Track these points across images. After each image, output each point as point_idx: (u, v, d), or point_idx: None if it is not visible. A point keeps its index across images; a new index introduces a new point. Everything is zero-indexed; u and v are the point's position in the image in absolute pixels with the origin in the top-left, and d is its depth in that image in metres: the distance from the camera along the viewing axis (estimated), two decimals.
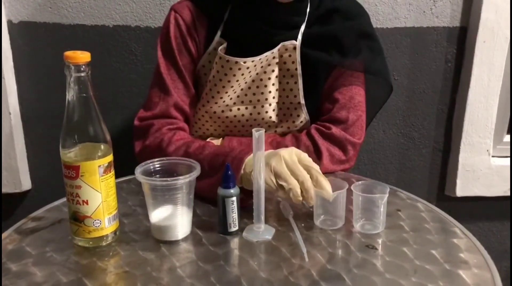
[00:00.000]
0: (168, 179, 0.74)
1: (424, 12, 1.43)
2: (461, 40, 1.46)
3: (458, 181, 1.54)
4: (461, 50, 1.47)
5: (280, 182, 0.80)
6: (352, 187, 0.80)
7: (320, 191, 0.79)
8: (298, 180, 0.79)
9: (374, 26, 1.41)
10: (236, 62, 1.00)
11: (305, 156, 0.84)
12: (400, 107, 1.52)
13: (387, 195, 0.79)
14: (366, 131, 1.09)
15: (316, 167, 0.82)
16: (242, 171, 0.85)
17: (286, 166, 0.81)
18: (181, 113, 1.06)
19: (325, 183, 0.80)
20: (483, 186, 1.55)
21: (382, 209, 0.80)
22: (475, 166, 1.53)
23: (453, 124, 1.54)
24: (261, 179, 0.76)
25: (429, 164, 1.59)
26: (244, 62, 1.00)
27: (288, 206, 0.86)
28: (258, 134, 0.74)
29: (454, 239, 0.79)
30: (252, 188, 0.78)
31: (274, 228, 0.81)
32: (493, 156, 1.54)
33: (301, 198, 0.80)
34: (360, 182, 0.82)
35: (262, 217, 0.79)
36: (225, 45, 1.03)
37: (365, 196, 0.80)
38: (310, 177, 0.80)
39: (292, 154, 0.82)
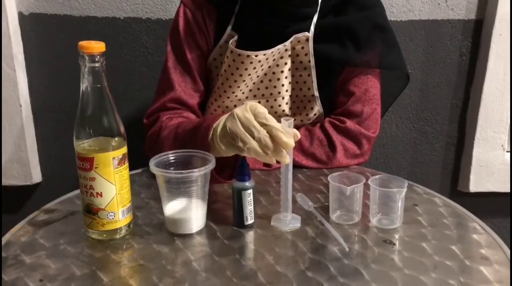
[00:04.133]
0: (183, 171, 0.73)
1: (439, 4, 1.40)
2: (476, 33, 1.43)
3: (472, 177, 1.52)
4: (476, 43, 1.44)
5: (239, 144, 0.75)
6: (369, 181, 0.79)
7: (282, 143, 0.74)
8: (255, 139, 0.75)
9: (388, 18, 1.40)
10: (248, 56, 0.99)
11: (260, 110, 0.76)
12: (413, 101, 1.49)
13: (405, 190, 0.78)
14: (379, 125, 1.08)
15: (273, 122, 0.75)
16: (210, 137, 0.81)
17: (241, 125, 0.76)
18: (184, 107, 1.05)
19: (282, 135, 0.74)
20: (497, 181, 1.53)
21: (399, 204, 0.79)
22: (489, 161, 1.51)
23: (467, 119, 1.52)
24: (288, 169, 0.76)
25: (442, 159, 1.57)
26: (256, 56, 0.99)
27: (306, 198, 0.85)
28: (288, 123, 0.74)
29: (474, 235, 0.77)
30: (221, 154, 0.80)
31: (300, 216, 0.81)
32: (508, 151, 1.52)
33: (265, 155, 0.75)
34: (377, 176, 0.81)
35: (289, 206, 0.79)
36: (236, 38, 1.02)
37: (382, 190, 0.79)
38: (269, 133, 0.74)
39: (245, 111, 0.76)
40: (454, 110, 1.51)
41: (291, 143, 0.74)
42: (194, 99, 1.06)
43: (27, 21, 1.39)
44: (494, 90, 1.44)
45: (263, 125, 0.75)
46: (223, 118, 0.81)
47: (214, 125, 0.82)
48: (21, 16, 1.38)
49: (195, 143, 0.85)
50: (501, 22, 1.37)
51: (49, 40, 1.40)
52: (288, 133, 0.75)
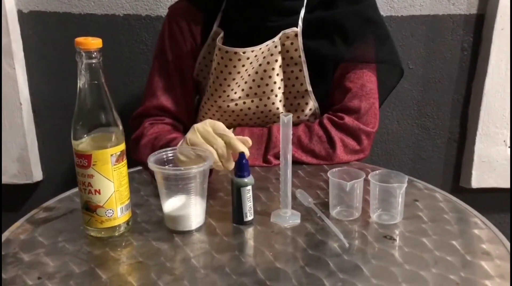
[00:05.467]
0: (182, 168, 0.73)
1: None
2: (478, 27, 1.42)
3: (474, 172, 1.52)
4: (477, 38, 1.43)
5: (198, 153, 0.80)
6: (369, 177, 0.78)
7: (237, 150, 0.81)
8: (213, 147, 0.82)
9: (389, 14, 1.39)
10: (236, 53, 0.98)
11: (219, 125, 0.85)
12: (415, 96, 1.49)
13: (405, 185, 0.77)
14: (380, 121, 1.07)
15: (229, 133, 0.83)
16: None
17: (201, 136, 0.84)
18: (166, 113, 1.08)
19: (239, 144, 0.81)
20: (499, 177, 1.52)
21: (399, 199, 0.78)
22: (491, 157, 1.50)
23: (469, 114, 1.51)
24: (287, 165, 0.76)
25: (444, 155, 1.56)
26: (244, 52, 0.98)
27: (306, 195, 0.85)
28: (287, 119, 0.74)
29: (475, 230, 0.77)
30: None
31: (299, 212, 0.80)
32: (510, 147, 1.51)
33: (220, 163, 0.82)
34: (377, 171, 0.80)
35: (289, 203, 0.79)
36: (222, 34, 1.01)
37: (382, 186, 0.78)
38: (225, 143, 0.82)
39: (205, 125, 0.85)
40: (456, 105, 1.51)
41: (246, 152, 0.81)
42: (178, 105, 1.08)
43: (27, 19, 1.39)
44: (496, 85, 1.43)
45: (220, 135, 0.83)
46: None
47: (179, 143, 0.88)
48: (20, 14, 1.38)
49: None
50: (503, 16, 1.36)
51: (48, 38, 1.40)
52: (242, 143, 0.82)
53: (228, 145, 0.82)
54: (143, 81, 1.44)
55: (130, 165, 0.79)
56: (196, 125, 0.85)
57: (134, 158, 1.02)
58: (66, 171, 1.52)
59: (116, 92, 1.42)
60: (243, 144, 0.82)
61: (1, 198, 1.52)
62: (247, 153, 0.81)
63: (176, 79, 1.08)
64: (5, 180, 1.48)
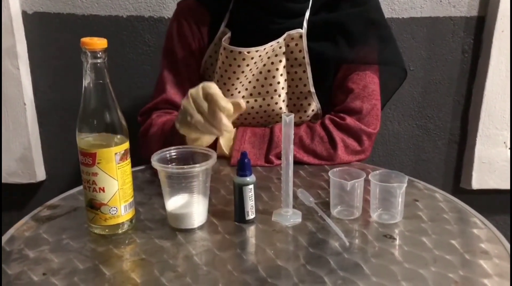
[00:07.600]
0: (185, 167, 0.73)
1: (440, 1, 1.40)
2: (478, 30, 1.43)
3: (474, 174, 1.52)
4: (478, 40, 1.44)
5: (188, 119, 0.80)
6: (369, 177, 0.79)
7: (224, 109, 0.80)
8: (199, 112, 0.81)
9: (390, 16, 1.40)
10: (240, 52, 0.99)
11: (208, 84, 0.82)
12: (416, 98, 1.50)
13: (405, 185, 0.78)
14: (381, 122, 1.08)
15: (216, 90, 0.81)
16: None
17: (192, 101, 0.82)
18: (174, 107, 1.08)
19: (222, 101, 0.80)
20: (499, 178, 1.53)
21: (399, 199, 0.79)
22: (491, 158, 1.51)
23: (470, 116, 1.52)
24: (288, 165, 0.77)
25: (445, 156, 1.57)
26: (248, 52, 0.99)
27: (307, 194, 0.85)
28: (289, 119, 0.75)
29: (474, 229, 0.78)
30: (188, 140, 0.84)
31: (300, 212, 0.81)
32: (510, 148, 1.52)
33: (211, 128, 0.81)
34: (377, 171, 0.81)
35: (290, 202, 0.79)
36: (229, 34, 1.03)
37: (382, 186, 0.79)
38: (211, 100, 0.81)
39: (198, 89, 0.82)
40: (456, 107, 1.52)
41: (228, 106, 0.80)
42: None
43: (31, 20, 1.40)
44: (496, 87, 1.44)
45: (207, 94, 0.80)
46: None
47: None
48: (24, 15, 1.39)
49: (174, 136, 0.90)
50: (503, 18, 1.37)
51: (52, 39, 1.42)
52: (234, 106, 0.81)
53: (212, 101, 0.80)
54: (145, 82, 1.45)
55: (133, 164, 0.80)
56: (190, 90, 0.84)
57: (143, 152, 1.02)
58: (69, 171, 1.53)
59: (118, 92, 1.42)
60: (225, 100, 0.80)
61: (1, 198, 1.52)
62: (230, 108, 0.80)
63: (184, 73, 1.08)
64: (9, 179, 1.49)
